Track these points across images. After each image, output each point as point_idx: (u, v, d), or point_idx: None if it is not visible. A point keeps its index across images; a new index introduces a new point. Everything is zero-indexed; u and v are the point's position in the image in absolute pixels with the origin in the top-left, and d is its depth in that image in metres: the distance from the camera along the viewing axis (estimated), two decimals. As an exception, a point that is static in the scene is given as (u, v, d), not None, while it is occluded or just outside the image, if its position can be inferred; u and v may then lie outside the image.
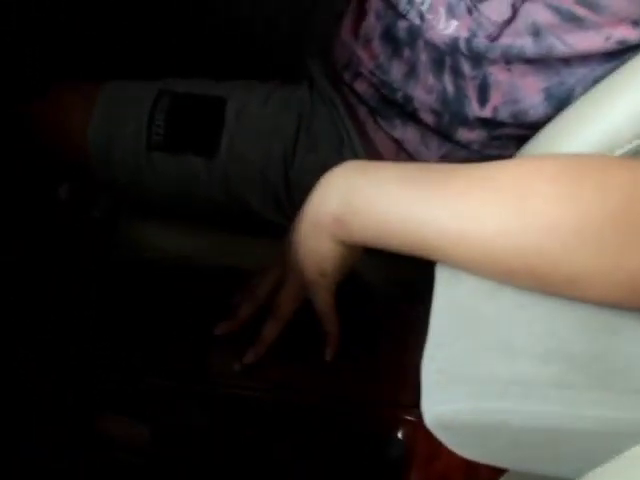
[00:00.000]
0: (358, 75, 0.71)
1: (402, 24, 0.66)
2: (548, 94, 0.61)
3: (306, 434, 0.61)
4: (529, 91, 0.61)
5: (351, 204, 0.49)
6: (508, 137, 0.66)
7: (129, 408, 0.55)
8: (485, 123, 0.64)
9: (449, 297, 0.47)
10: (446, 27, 0.61)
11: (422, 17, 0.63)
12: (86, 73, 0.75)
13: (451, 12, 0.61)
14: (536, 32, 0.57)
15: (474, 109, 0.64)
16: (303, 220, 0.53)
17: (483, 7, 0.58)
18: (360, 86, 0.71)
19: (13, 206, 0.65)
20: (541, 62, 0.59)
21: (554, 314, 0.42)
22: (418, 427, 0.57)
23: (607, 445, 0.39)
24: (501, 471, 0.47)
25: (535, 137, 0.63)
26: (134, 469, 0.59)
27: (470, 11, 0.59)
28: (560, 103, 0.61)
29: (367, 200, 0.48)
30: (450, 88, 0.64)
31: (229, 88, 0.74)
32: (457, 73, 0.63)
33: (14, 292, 0.62)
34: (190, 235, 0.78)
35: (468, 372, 0.42)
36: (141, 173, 0.73)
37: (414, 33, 0.65)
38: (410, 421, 0.58)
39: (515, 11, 0.57)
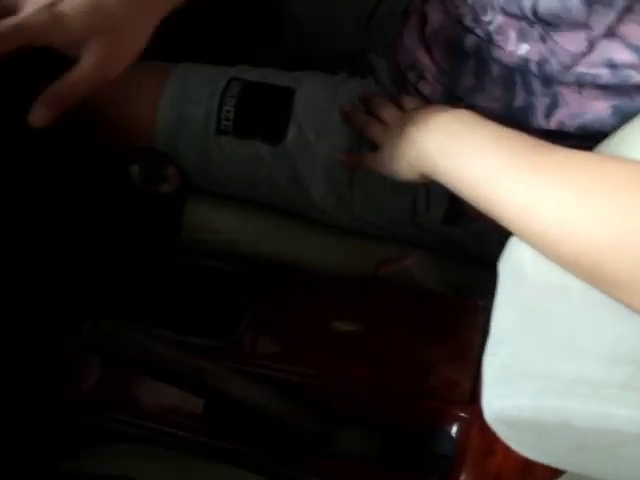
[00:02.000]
0: (422, 77, 0.71)
1: (468, 38, 0.65)
2: (616, 109, 0.59)
3: (356, 425, 0.61)
4: (597, 108, 0.60)
5: (444, 149, 0.54)
6: (570, 147, 0.65)
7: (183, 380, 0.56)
8: (549, 134, 0.63)
9: (513, 293, 0.46)
10: (516, 49, 0.60)
11: (490, 37, 0.62)
12: (160, 55, 0.76)
13: (523, 36, 0.59)
14: (612, 65, 0.56)
15: (539, 121, 0.63)
16: (410, 136, 0.59)
17: (557, 36, 0.57)
18: (425, 88, 0.71)
19: (86, 186, 0.67)
20: (615, 88, 0.58)
21: (622, 317, 0.41)
22: (472, 424, 0.56)
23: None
24: (557, 472, 0.46)
25: (602, 144, 0.62)
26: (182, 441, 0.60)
27: (543, 39, 0.58)
28: (628, 116, 0.59)
29: (459, 150, 0.52)
30: (519, 100, 0.63)
31: (298, 79, 0.75)
32: (527, 90, 0.62)
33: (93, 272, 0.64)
34: (247, 220, 0.78)
35: (532, 368, 0.41)
36: (207, 156, 0.73)
37: (481, 49, 0.64)
38: (463, 418, 0.57)
39: (592, 46, 0.56)
